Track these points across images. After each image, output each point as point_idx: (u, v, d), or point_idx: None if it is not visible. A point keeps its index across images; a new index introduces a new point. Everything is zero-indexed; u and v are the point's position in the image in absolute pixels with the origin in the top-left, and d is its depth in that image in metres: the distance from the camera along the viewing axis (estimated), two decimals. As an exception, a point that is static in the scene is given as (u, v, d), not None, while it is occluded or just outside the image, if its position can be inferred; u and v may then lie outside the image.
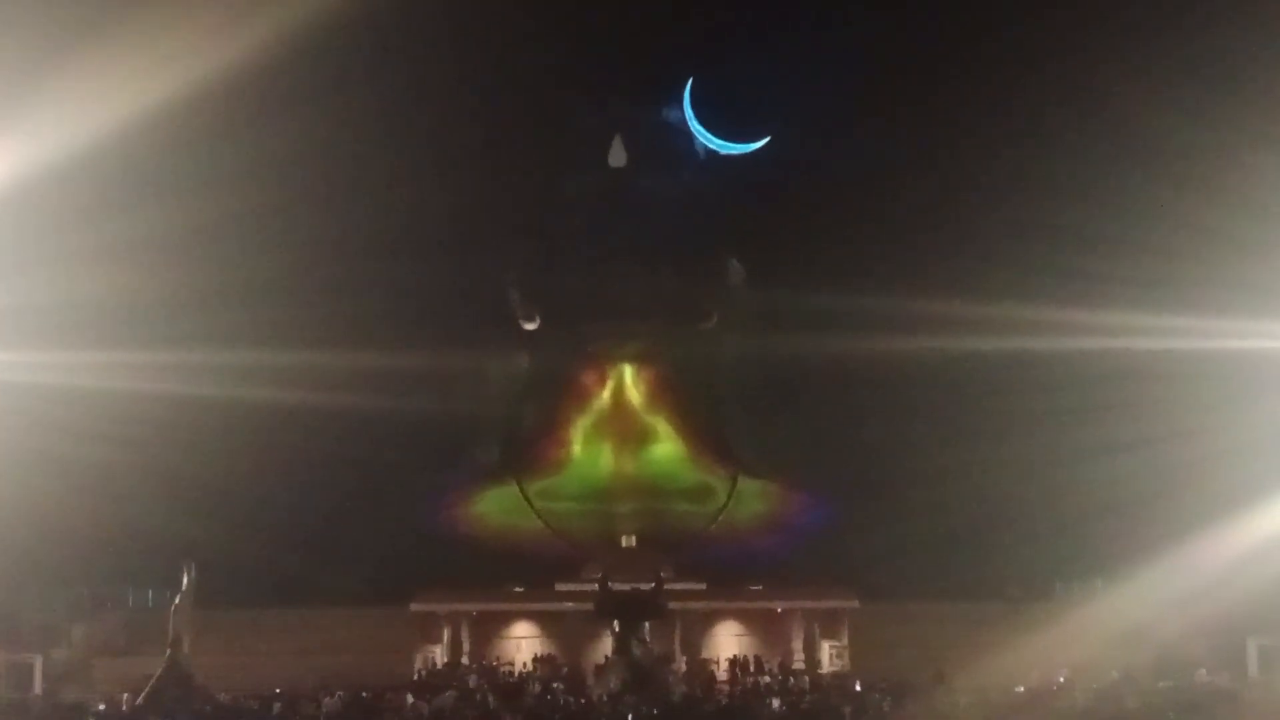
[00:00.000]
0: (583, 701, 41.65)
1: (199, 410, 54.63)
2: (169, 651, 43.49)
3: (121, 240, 49.68)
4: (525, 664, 55.99)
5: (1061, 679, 45.37)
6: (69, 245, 48.27)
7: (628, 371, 69.43)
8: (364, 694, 42.25)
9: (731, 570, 59.79)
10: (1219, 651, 51.81)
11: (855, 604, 56.61)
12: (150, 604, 53.98)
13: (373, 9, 52.51)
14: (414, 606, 56.44)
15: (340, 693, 42.09)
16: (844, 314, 57.69)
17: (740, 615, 58.34)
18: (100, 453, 52.41)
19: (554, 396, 69.19)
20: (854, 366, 60.35)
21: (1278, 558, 47.90)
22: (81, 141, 43.48)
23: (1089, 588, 57.40)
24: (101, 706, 40.34)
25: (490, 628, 58.07)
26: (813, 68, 64.00)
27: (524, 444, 68.25)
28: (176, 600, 44.59)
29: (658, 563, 55.17)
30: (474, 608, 57.58)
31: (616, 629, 46.38)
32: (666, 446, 68.03)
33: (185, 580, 45.00)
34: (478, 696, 43.37)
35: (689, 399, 69.32)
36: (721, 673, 54.41)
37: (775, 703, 40.55)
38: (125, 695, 42.18)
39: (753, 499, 65.75)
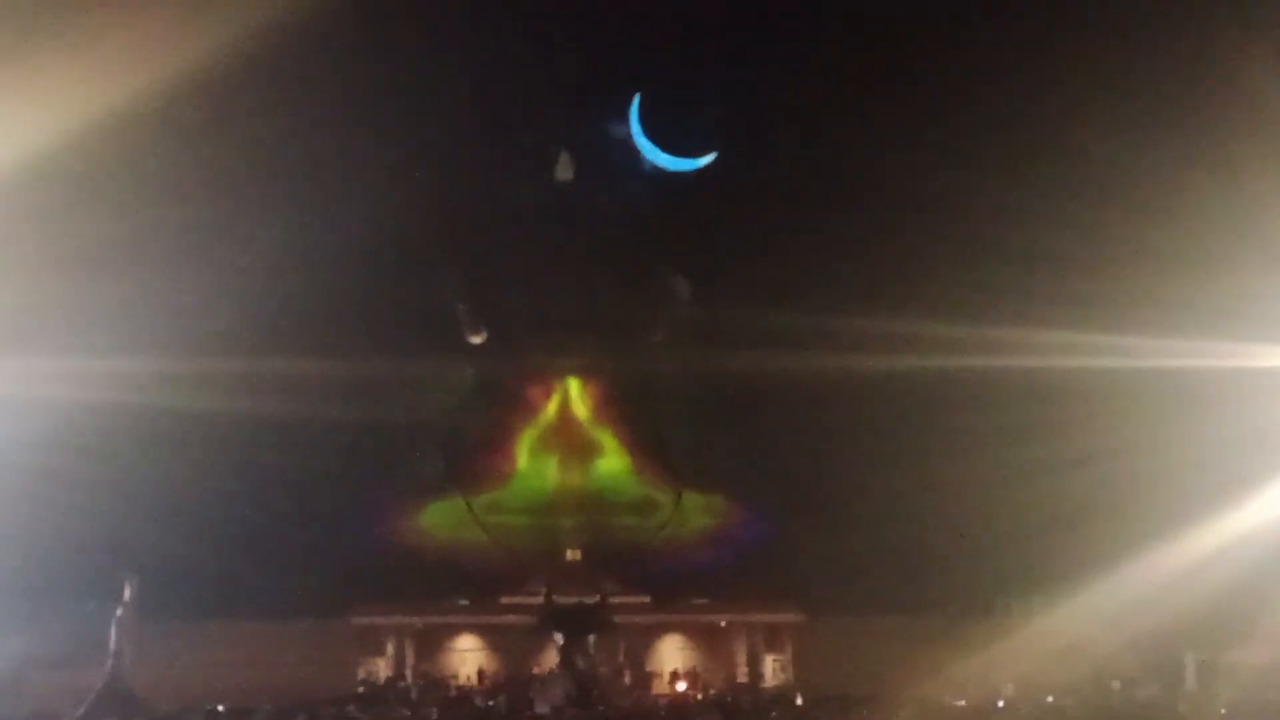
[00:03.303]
0: (527, 715, 41.69)
1: (139, 419, 54.24)
2: (109, 663, 43.29)
3: (61, 249, 49.28)
4: (469, 677, 55.93)
5: (1006, 693, 45.75)
6: (8, 255, 47.85)
7: (573, 385, 69.58)
8: (306, 707, 42.04)
9: (676, 584, 59.91)
10: (1157, 665, 52.37)
11: (799, 618, 56.93)
12: (91, 615, 53.36)
13: (319, 24, 52.37)
14: (356, 619, 56.31)
15: (283, 706, 41.88)
16: (789, 330, 57.93)
17: (684, 629, 58.57)
18: (39, 461, 51.94)
19: (499, 409, 69.18)
20: (797, 383, 60.53)
21: (1215, 573, 48.52)
22: (26, 149, 43.16)
23: (1030, 603, 57.87)
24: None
25: (434, 641, 58.02)
26: (761, 84, 64.32)
27: (469, 457, 68.20)
28: (118, 612, 44.37)
29: (602, 576, 55.32)
30: (417, 621, 57.53)
31: (561, 642, 46.45)
32: (611, 460, 68.17)
33: (127, 592, 44.80)
34: (420, 710, 43.29)
35: (634, 413, 69.52)
36: (665, 686, 54.61)
37: (717, 716, 40.71)
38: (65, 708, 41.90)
39: (697, 513, 66.01)
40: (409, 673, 55.86)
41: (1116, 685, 48.54)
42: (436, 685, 53.21)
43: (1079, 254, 52.73)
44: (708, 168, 69.80)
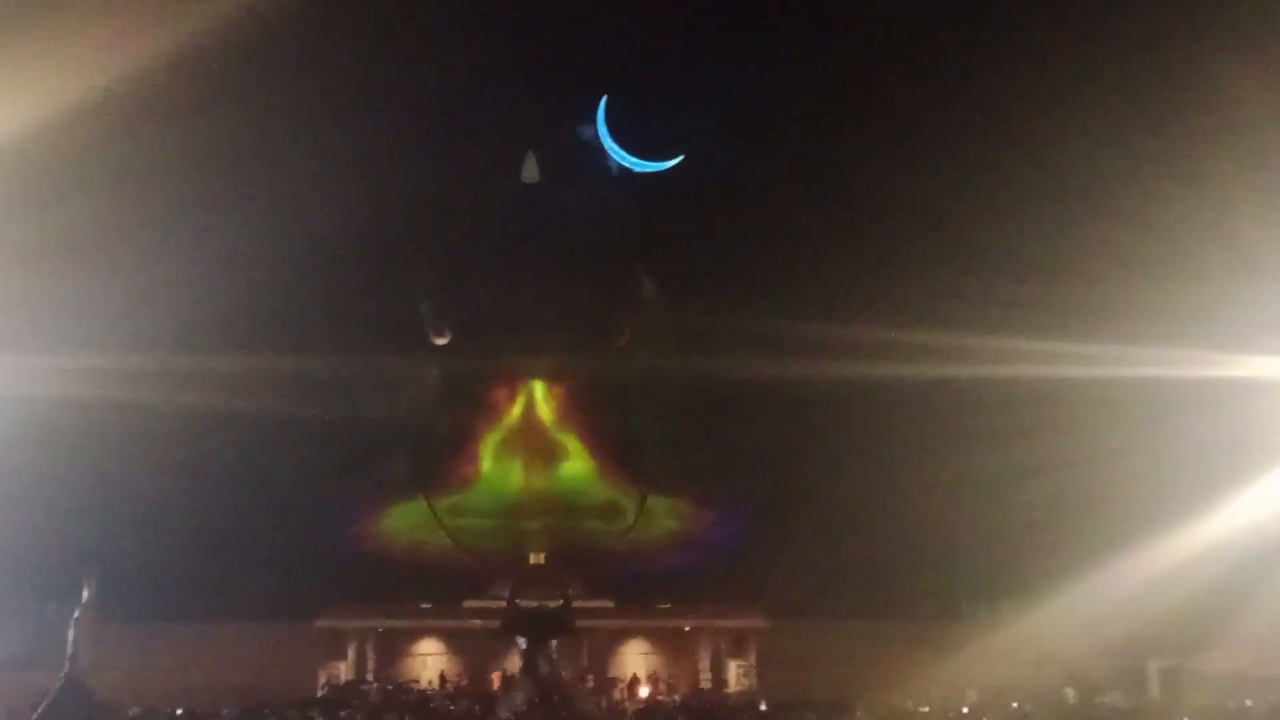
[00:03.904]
0: (490, 718, 41.45)
1: (103, 415, 53.69)
2: (66, 665, 42.79)
3: (23, 241, 48.83)
4: (430, 681, 55.62)
5: (970, 699, 45.72)
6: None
7: (539, 387, 69.35)
8: (267, 710, 41.67)
9: (640, 588, 59.63)
10: (1121, 672, 52.50)
11: (763, 623, 56.79)
12: (51, 616, 52.77)
13: (284, 14, 52.05)
14: (319, 622, 55.92)
15: (244, 708, 41.51)
16: (759, 335, 57.88)
17: (648, 634, 58.40)
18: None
19: (464, 411, 68.91)
20: (765, 388, 60.50)
21: (1181, 580, 48.71)
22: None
23: (997, 609, 58.06)
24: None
25: (396, 645, 57.71)
26: (731, 85, 64.22)
27: (433, 458, 67.92)
28: (76, 613, 43.86)
29: (566, 580, 55.04)
30: (380, 624, 57.18)
31: (524, 646, 46.14)
32: (577, 463, 67.97)
33: (86, 592, 44.29)
34: (381, 714, 42.96)
35: (600, 416, 69.44)
36: (628, 691, 54.44)
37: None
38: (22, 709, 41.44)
39: (663, 517, 65.91)
40: (371, 676, 55.47)
41: (1071, 694, 48.45)
42: (398, 689, 52.84)
43: (1056, 261, 52.80)
44: (681, 169, 69.75)
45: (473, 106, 67.33)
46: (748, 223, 63.82)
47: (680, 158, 69.84)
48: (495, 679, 53.96)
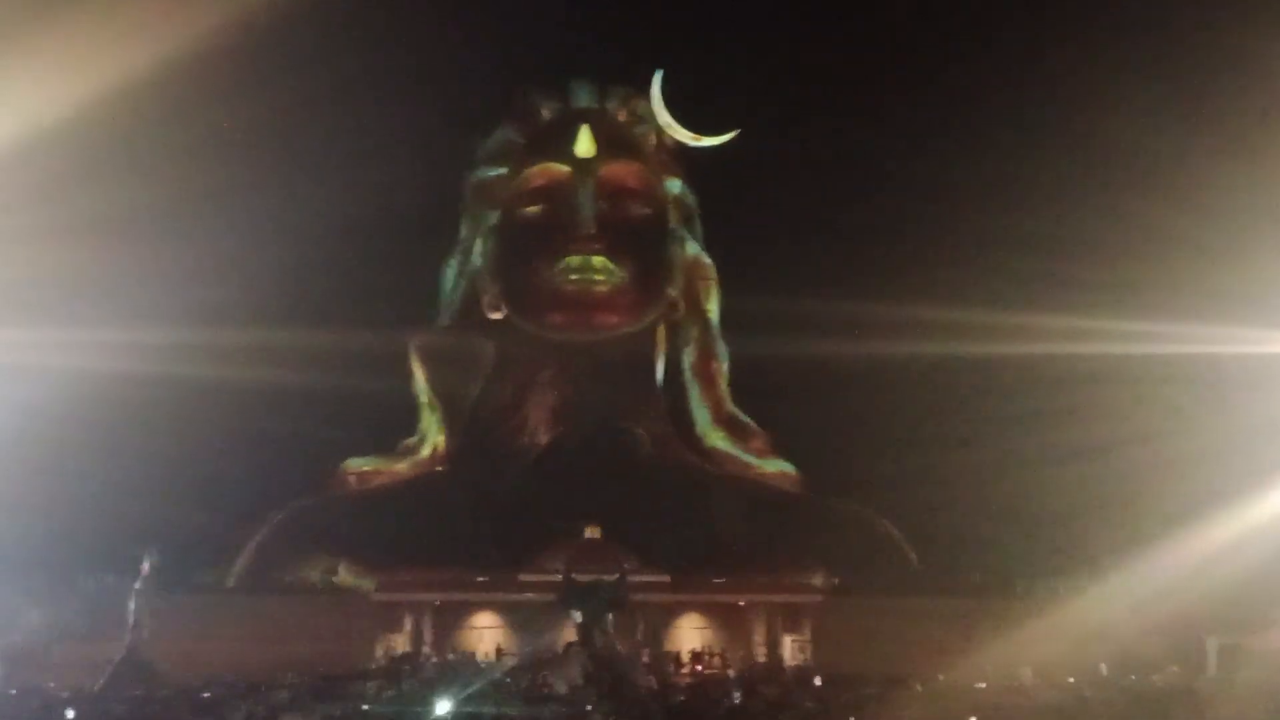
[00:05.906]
0: (545, 691, 41.52)
1: (163, 390, 54.28)
2: (129, 637, 43.30)
3: (76, 220, 49.29)
4: (486, 654, 55.76)
5: (1024, 676, 45.53)
6: (21, 224, 47.78)
7: (594, 360, 69.34)
8: (325, 680, 41.91)
9: (695, 563, 59.44)
10: (1179, 650, 52.07)
11: (818, 598, 56.61)
12: (110, 589, 53.31)
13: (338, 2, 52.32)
14: (376, 595, 56.12)
15: (303, 678, 41.80)
16: (814, 315, 57.95)
17: (703, 608, 58.18)
18: (58, 432, 51.94)
19: (519, 384, 69.05)
20: (827, 368, 60.69)
21: (1238, 559, 48.27)
22: (32, 123, 43.12)
23: (1053, 587, 57.69)
24: (65, 693, 40.03)
25: (452, 618, 57.75)
26: (786, 67, 64.26)
27: (488, 430, 68.12)
28: (138, 585, 44.34)
29: (621, 554, 55.00)
30: (436, 597, 57.24)
31: (579, 620, 46.21)
32: (634, 438, 67.96)
33: (147, 565, 44.77)
34: (437, 686, 43.09)
35: (656, 390, 69.63)
36: (684, 665, 54.42)
37: (736, 695, 40.47)
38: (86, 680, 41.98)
39: (719, 493, 65.82)
40: (428, 649, 55.65)
41: (1104, 668, 48.15)
42: (454, 661, 53.03)
43: (1113, 243, 52.65)
44: (743, 152, 69.64)
45: (525, 84, 67.62)
46: (806, 206, 63.95)
47: (734, 132, 69.81)
48: (550, 653, 53.92)
